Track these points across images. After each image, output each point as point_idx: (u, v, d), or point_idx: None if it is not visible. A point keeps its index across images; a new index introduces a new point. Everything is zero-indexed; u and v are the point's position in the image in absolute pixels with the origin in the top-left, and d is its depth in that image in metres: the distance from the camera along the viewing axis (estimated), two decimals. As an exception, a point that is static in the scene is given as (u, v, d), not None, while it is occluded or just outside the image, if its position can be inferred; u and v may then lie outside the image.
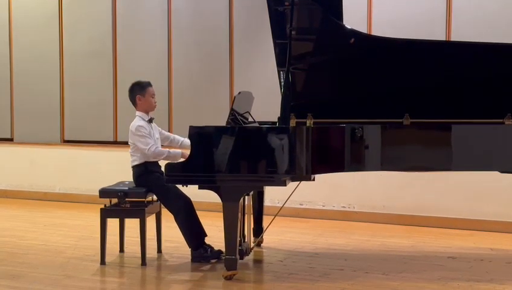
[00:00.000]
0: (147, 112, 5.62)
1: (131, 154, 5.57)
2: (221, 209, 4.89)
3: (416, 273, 5.16)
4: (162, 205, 5.64)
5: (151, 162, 5.53)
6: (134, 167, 5.56)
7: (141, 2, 8.26)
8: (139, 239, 5.40)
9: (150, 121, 5.61)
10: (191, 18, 8.00)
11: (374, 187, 7.08)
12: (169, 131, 7.87)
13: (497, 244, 6.13)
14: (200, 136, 4.92)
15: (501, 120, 5.04)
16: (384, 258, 5.63)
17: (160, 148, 5.52)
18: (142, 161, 5.51)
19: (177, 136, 5.88)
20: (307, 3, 5.07)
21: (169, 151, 5.51)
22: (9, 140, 9.07)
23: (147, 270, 5.33)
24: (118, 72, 8.38)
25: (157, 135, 5.66)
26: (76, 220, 7.38)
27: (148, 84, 5.67)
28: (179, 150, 5.59)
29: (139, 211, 5.39)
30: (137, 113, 5.62)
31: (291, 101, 5.11)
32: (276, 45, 5.44)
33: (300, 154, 4.84)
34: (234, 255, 4.93)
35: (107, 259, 5.46)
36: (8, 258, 5.68)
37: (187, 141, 5.42)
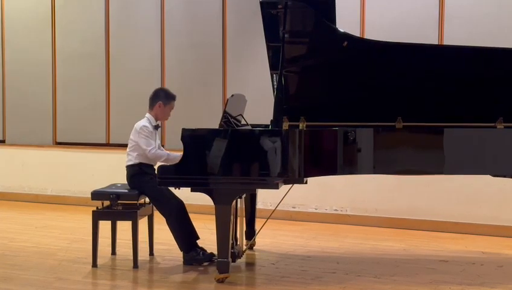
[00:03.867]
0: (156, 119, 5.62)
1: (128, 153, 5.57)
2: (214, 211, 4.89)
3: (408, 276, 5.17)
4: (155, 208, 5.63)
5: (145, 163, 5.52)
6: (129, 167, 5.56)
7: (134, 3, 8.25)
8: (131, 241, 5.39)
9: (156, 127, 5.61)
10: (184, 20, 8.00)
11: (367, 190, 7.09)
12: (162, 133, 7.89)
13: (489, 248, 6.14)
14: (193, 139, 4.92)
15: (493, 124, 5.06)
16: (377, 262, 5.64)
17: (160, 151, 5.53)
18: (137, 161, 5.51)
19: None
20: (300, 7, 5.07)
21: (168, 154, 5.52)
22: (1, 142, 9.05)
23: (139, 272, 5.32)
24: (110, 74, 8.37)
25: (158, 141, 5.66)
26: (68, 222, 7.36)
27: (174, 98, 5.68)
28: (178, 153, 5.57)
29: (131, 214, 5.38)
30: (148, 114, 5.62)
31: (284, 104, 5.11)
32: (269, 48, 5.45)
33: (292, 157, 4.85)
34: (226, 257, 4.93)
35: (99, 261, 5.45)
36: (-1, 260, 5.67)
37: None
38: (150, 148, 5.46)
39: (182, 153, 5.54)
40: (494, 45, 5.49)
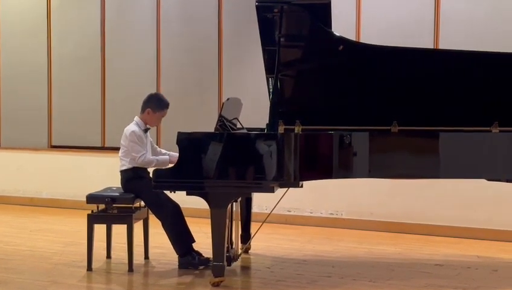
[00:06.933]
0: (145, 123, 5.60)
1: (120, 158, 5.56)
2: (209, 215, 4.89)
3: (403, 280, 5.17)
4: (150, 211, 5.63)
5: (139, 167, 5.51)
6: (123, 172, 5.55)
7: (130, 7, 8.25)
8: (126, 245, 5.38)
9: (146, 130, 5.59)
10: (179, 24, 8.00)
11: (362, 194, 7.09)
12: (157, 136, 7.89)
13: (484, 252, 6.15)
14: (188, 142, 4.92)
15: (488, 128, 5.07)
16: (372, 265, 5.64)
17: (149, 157, 5.51)
18: (130, 166, 5.50)
19: (163, 151, 5.84)
20: (296, 10, 5.08)
21: (157, 159, 5.51)
22: (-3, 145, 9.04)
23: (134, 276, 5.31)
24: (106, 78, 8.36)
25: (149, 145, 5.65)
26: (63, 226, 7.35)
27: (167, 106, 5.62)
28: (167, 157, 5.60)
29: (126, 217, 5.37)
30: (136, 118, 5.60)
31: (279, 107, 5.12)
32: (264, 52, 5.45)
33: (288, 161, 4.85)
34: (222, 261, 4.92)
35: (94, 265, 5.43)
36: (-6, 263, 5.65)
37: (173, 154, 5.57)
38: (138, 155, 5.43)
39: (170, 155, 5.60)
40: (490, 49, 5.50)
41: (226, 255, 5.10)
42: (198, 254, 5.48)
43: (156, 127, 7.76)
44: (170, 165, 5.21)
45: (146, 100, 5.62)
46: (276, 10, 5.05)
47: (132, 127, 5.53)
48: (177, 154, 5.04)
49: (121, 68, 8.27)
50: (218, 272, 4.94)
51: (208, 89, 7.83)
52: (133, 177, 5.50)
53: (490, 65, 5.21)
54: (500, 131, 5.06)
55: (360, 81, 5.28)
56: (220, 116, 5.03)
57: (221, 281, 4.96)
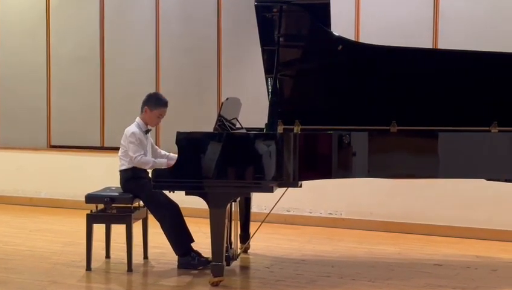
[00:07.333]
0: (146, 124, 5.60)
1: (120, 158, 5.55)
2: (208, 215, 4.88)
3: (402, 280, 5.17)
4: (149, 211, 5.62)
5: (139, 167, 5.50)
6: (122, 172, 5.54)
7: (129, 7, 8.25)
8: (125, 245, 5.38)
9: (146, 132, 5.58)
10: (179, 23, 7.99)
11: (361, 194, 7.09)
12: (156, 136, 7.88)
13: (483, 252, 6.15)
14: (188, 142, 4.92)
15: (487, 128, 5.07)
16: (371, 265, 5.63)
17: (146, 158, 5.49)
18: (130, 165, 5.49)
19: (163, 152, 5.83)
20: (295, 10, 5.08)
21: (154, 161, 5.49)
22: (-4, 145, 9.03)
23: (133, 276, 5.31)
24: (105, 78, 8.36)
25: (149, 146, 5.64)
26: (63, 226, 7.35)
27: (165, 104, 5.60)
28: (164, 160, 5.57)
29: (125, 217, 5.37)
30: (137, 119, 5.59)
31: (278, 107, 5.12)
32: (264, 52, 5.44)
33: (287, 161, 4.84)
34: (221, 261, 4.92)
35: (93, 265, 5.43)
36: (-7, 263, 5.65)
37: (172, 156, 5.54)
38: (136, 155, 5.41)
39: (169, 157, 5.59)
40: (490, 49, 5.49)
41: (225, 255, 5.10)
42: (198, 254, 5.47)
43: (155, 127, 7.77)
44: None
45: (145, 99, 5.63)
46: (275, 10, 5.05)
47: (133, 128, 5.52)
48: (176, 156, 5.04)
49: (120, 68, 8.27)
50: (218, 272, 4.94)
51: (207, 88, 7.83)
52: (132, 177, 5.50)
53: (490, 65, 5.20)
54: (500, 131, 5.05)
55: (359, 81, 5.28)
56: (219, 116, 5.03)
57: (221, 281, 4.96)
